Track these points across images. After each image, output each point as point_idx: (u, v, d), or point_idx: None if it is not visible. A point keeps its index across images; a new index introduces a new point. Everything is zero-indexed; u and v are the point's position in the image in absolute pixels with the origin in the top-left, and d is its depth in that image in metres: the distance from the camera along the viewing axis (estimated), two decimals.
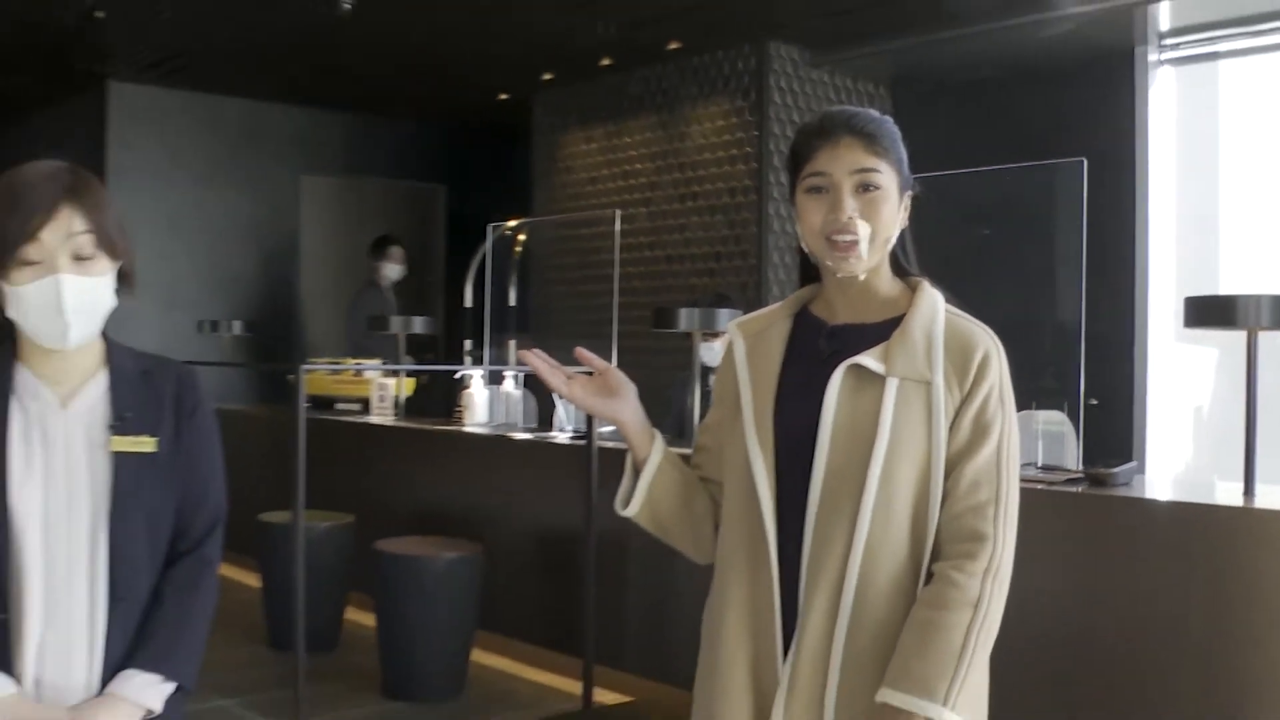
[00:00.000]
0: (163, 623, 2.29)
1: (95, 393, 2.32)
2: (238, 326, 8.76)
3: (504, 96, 10.40)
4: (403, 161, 11.85)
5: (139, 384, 2.35)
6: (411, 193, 12.01)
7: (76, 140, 10.61)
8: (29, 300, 2.20)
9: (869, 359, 2.18)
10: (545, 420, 6.51)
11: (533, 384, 6.89)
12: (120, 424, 2.28)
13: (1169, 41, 7.72)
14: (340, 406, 7.68)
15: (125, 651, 2.26)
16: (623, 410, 2.39)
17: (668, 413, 6.47)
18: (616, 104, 9.60)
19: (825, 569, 2.15)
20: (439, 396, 7.16)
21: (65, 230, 2.20)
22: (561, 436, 5.86)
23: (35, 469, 2.24)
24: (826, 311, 2.32)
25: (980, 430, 2.17)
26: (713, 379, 5.75)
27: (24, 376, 2.29)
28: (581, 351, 2.44)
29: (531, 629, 5.58)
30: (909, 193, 2.28)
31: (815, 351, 2.28)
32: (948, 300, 2.28)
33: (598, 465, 4.84)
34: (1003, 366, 2.21)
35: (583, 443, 4.99)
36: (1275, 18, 7.20)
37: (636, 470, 2.38)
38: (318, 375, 7.70)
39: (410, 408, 7.35)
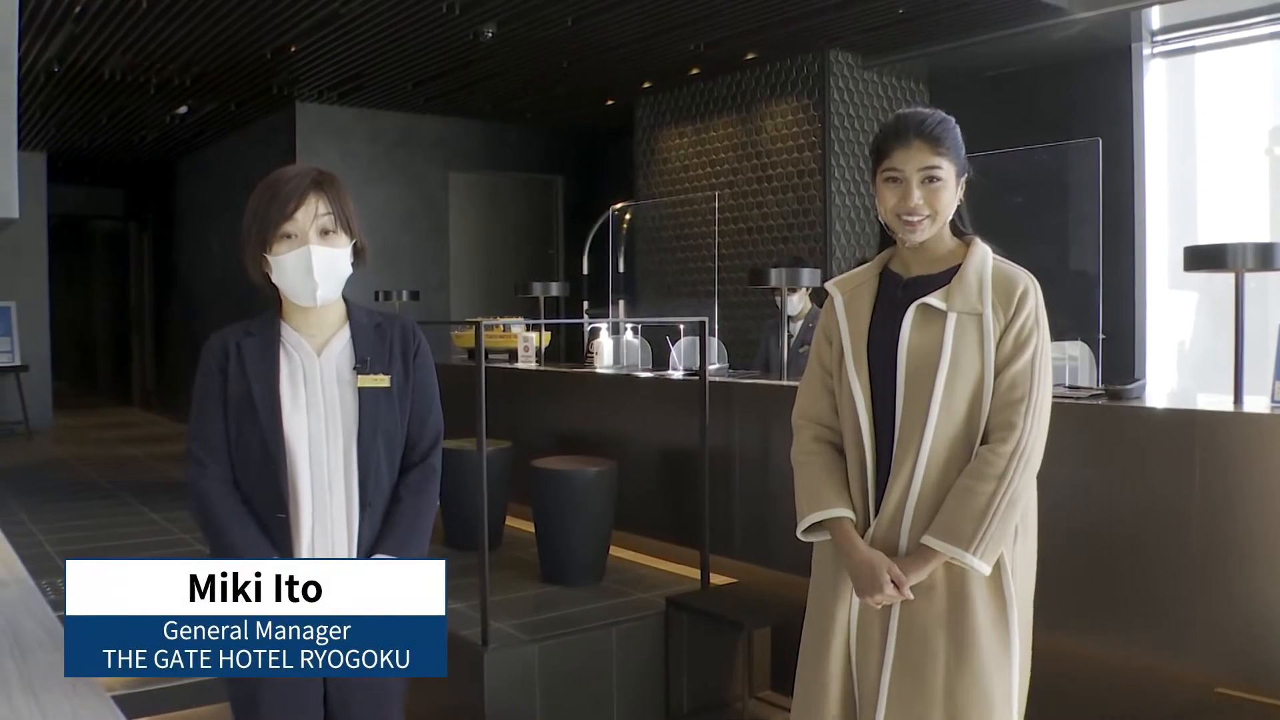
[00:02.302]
0: (401, 518, 2.41)
1: (341, 342, 2.43)
2: (405, 295, 8.94)
3: (610, 102, 10.42)
4: (528, 158, 11.89)
5: (373, 334, 2.45)
6: (536, 183, 12.08)
7: (272, 150, 10.77)
8: (287, 266, 2.35)
9: (933, 299, 2.34)
10: (659, 362, 6.60)
11: (648, 332, 7.01)
12: (361, 365, 2.40)
13: (1159, 38, 7.64)
14: (492, 357, 7.76)
15: (373, 542, 2.38)
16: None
17: (755, 353, 6.55)
18: (703, 105, 9.61)
19: (906, 454, 2.31)
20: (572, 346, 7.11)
21: (313, 212, 2.34)
22: (675, 374, 5.87)
23: (300, 403, 2.36)
24: (902, 268, 2.45)
25: (1019, 346, 2.28)
26: (794, 325, 5.85)
27: (287, 331, 2.42)
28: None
29: (657, 526, 5.58)
30: (965, 176, 2.40)
31: (895, 300, 2.41)
32: (996, 252, 2.40)
33: (709, 395, 4.85)
34: (1038, 300, 2.33)
35: (695, 379, 5.03)
36: (1245, 16, 7.13)
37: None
38: (468, 332, 7.75)
39: (546, 356, 7.40)
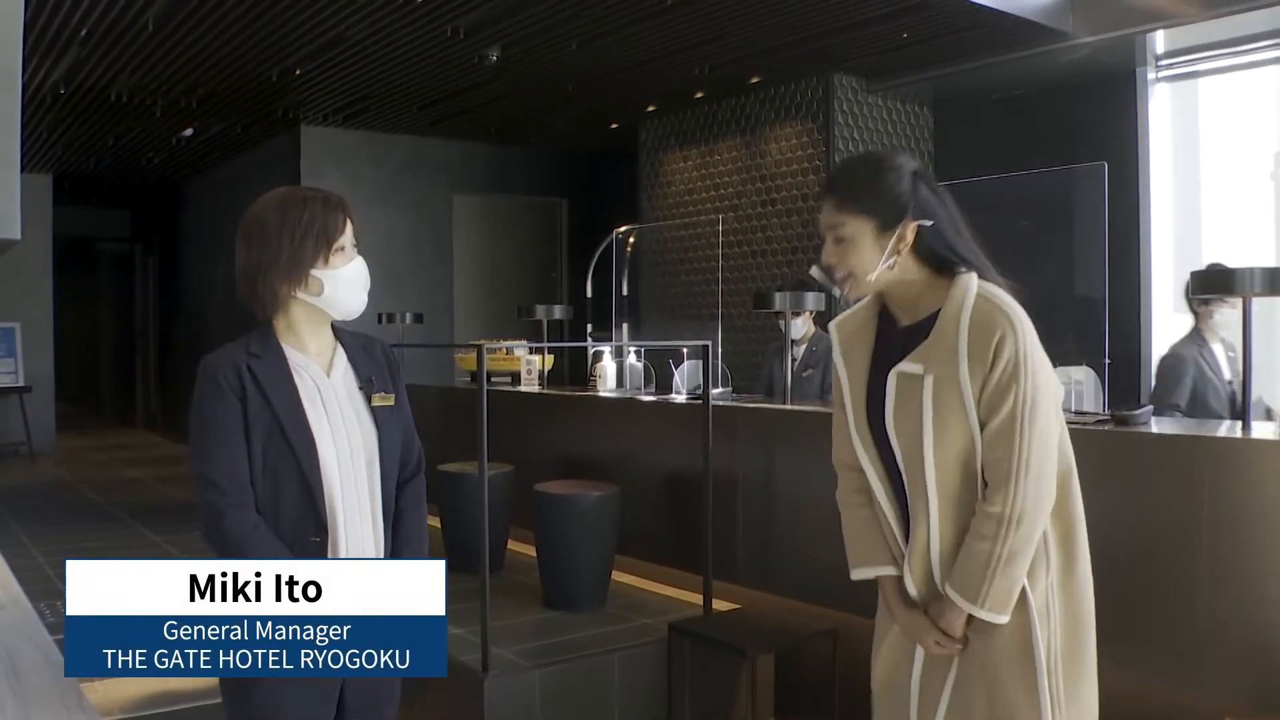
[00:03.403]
0: (413, 532, 2.43)
1: (342, 362, 2.42)
2: (409, 317, 8.92)
3: (615, 125, 10.45)
4: (533, 181, 11.92)
5: (364, 354, 2.45)
6: (540, 206, 12.10)
7: (276, 172, 10.78)
8: (345, 278, 2.35)
9: (909, 364, 2.29)
10: (663, 386, 6.58)
11: (652, 356, 6.99)
12: (368, 385, 2.40)
13: (1164, 62, 7.64)
14: (495, 380, 7.76)
15: (390, 555, 2.39)
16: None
17: (759, 377, 6.53)
18: (708, 129, 9.63)
19: (918, 514, 2.31)
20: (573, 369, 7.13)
21: (351, 227, 2.37)
22: (678, 398, 5.85)
23: (324, 425, 2.33)
24: (896, 310, 2.41)
25: (998, 399, 2.21)
26: (797, 349, 5.83)
27: (290, 352, 2.36)
28: None
29: (660, 551, 5.56)
30: (906, 223, 2.29)
31: (890, 352, 2.37)
32: (991, 280, 2.31)
33: (712, 419, 4.83)
34: (1020, 340, 2.21)
35: (699, 402, 5.01)
36: (1249, 40, 7.14)
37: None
38: (471, 355, 7.73)
39: (549, 379, 7.37)
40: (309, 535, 2.28)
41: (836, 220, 2.31)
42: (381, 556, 2.38)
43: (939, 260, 2.32)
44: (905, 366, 2.29)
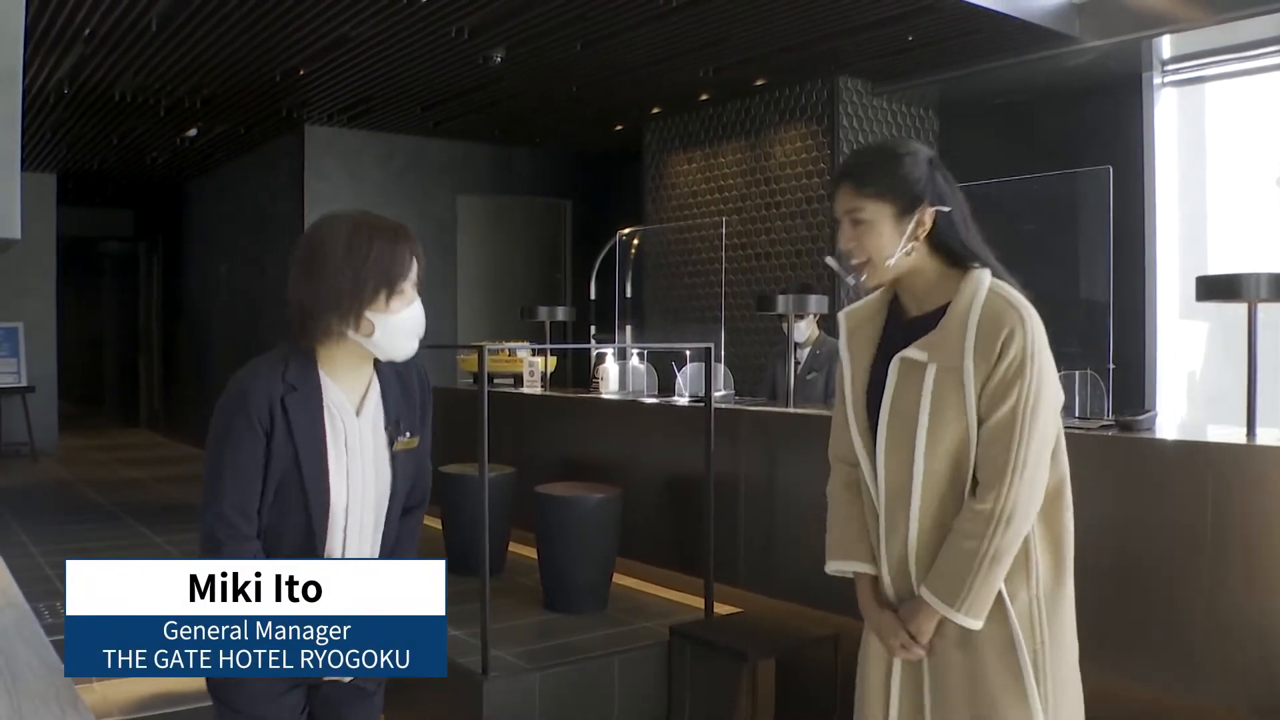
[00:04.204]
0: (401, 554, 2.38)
1: (374, 399, 2.32)
2: None
3: (619, 127, 10.44)
4: (537, 182, 11.92)
5: (398, 385, 2.36)
6: (544, 207, 12.09)
7: (280, 172, 10.82)
8: (403, 325, 2.24)
9: (914, 351, 2.26)
10: (665, 388, 6.58)
11: (654, 358, 6.99)
12: (394, 428, 2.32)
13: (1170, 67, 7.63)
14: (497, 381, 7.76)
15: None
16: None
17: (762, 380, 6.52)
18: (713, 131, 9.63)
19: (898, 509, 2.28)
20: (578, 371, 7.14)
21: (418, 266, 2.25)
22: (681, 400, 5.84)
23: (341, 468, 2.26)
24: (907, 301, 2.38)
25: (1000, 394, 2.17)
26: (800, 352, 5.82)
27: (328, 388, 2.27)
28: None
29: (661, 554, 5.56)
30: (923, 208, 2.27)
31: (895, 343, 2.34)
32: (1002, 279, 2.28)
33: (715, 422, 4.83)
34: (1029, 338, 2.18)
35: (701, 405, 5.00)
36: (1256, 46, 7.13)
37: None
38: (473, 356, 7.68)
39: (552, 381, 7.37)
40: None
41: (854, 204, 2.28)
42: None
43: (952, 253, 2.30)
44: (910, 353, 2.26)
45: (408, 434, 2.35)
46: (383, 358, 2.29)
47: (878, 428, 2.31)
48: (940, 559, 2.22)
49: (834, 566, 2.42)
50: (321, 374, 2.27)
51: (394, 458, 2.33)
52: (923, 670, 2.30)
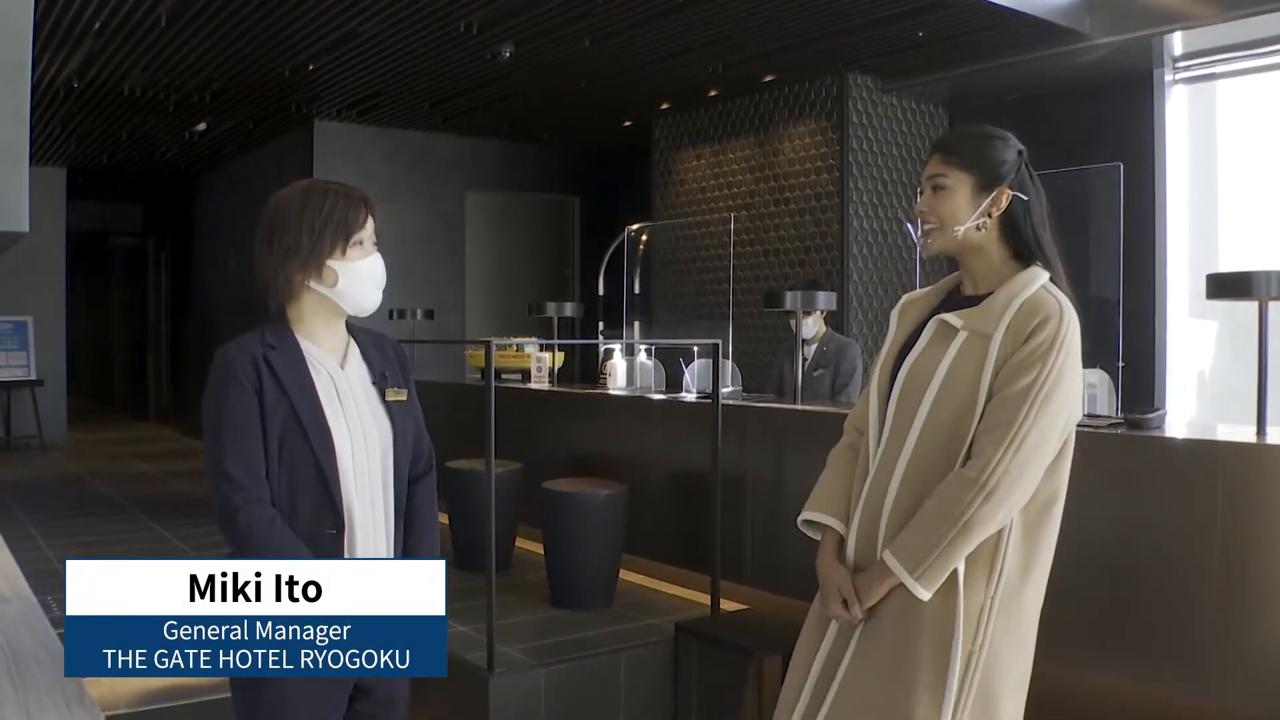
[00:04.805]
0: (427, 529, 2.44)
1: (355, 356, 2.41)
2: (420, 314, 8.93)
3: (628, 123, 10.44)
4: (545, 178, 11.92)
5: (376, 349, 2.45)
6: (552, 203, 12.10)
7: (288, 168, 10.81)
8: (361, 273, 2.34)
9: (952, 316, 2.30)
10: (673, 384, 6.57)
11: (662, 354, 6.98)
12: (382, 380, 2.40)
13: (1181, 64, 7.61)
14: (505, 376, 7.75)
15: (403, 552, 2.39)
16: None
17: (769, 376, 6.50)
18: (721, 127, 9.62)
19: (888, 467, 2.28)
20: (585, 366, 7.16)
21: (373, 223, 2.37)
22: (688, 397, 5.83)
23: (340, 418, 2.32)
24: (967, 286, 2.41)
25: (1019, 370, 2.17)
26: (808, 349, 5.80)
27: (305, 345, 2.35)
28: None
29: (668, 551, 5.54)
30: (1002, 189, 2.32)
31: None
32: (1059, 285, 2.30)
33: (722, 419, 4.82)
34: (1061, 330, 2.19)
35: (709, 401, 5.00)
36: (1267, 43, 7.10)
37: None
38: (480, 351, 7.67)
39: (559, 377, 7.38)
40: (325, 528, 2.27)
41: (939, 170, 2.35)
42: (394, 550, 2.38)
43: (1021, 243, 2.33)
44: (948, 316, 2.31)
45: (395, 387, 2.42)
46: (350, 309, 2.38)
47: (894, 385, 2.33)
48: (913, 523, 2.20)
49: (806, 515, 2.44)
50: (297, 335, 2.36)
51: (389, 408, 2.40)
52: (851, 640, 2.29)
